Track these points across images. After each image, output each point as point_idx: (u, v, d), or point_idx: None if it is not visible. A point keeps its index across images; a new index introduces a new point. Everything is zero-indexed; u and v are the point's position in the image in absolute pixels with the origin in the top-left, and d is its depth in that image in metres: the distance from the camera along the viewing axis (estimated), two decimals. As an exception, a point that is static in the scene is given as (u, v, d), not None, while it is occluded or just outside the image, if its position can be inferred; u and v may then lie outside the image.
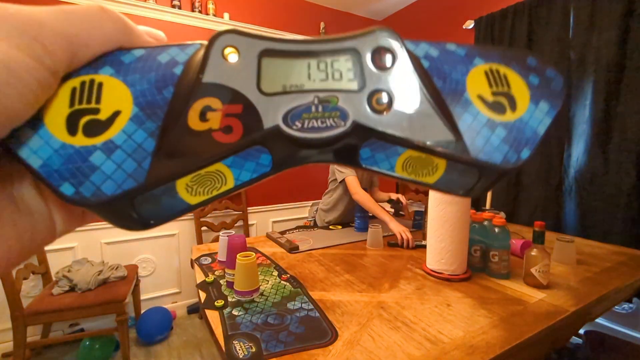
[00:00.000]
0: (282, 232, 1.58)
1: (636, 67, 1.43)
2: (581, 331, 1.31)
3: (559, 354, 1.05)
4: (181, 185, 0.16)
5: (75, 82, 0.14)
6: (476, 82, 0.18)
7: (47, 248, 1.86)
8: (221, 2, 2.32)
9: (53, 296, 1.59)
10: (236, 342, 0.67)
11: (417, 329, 0.73)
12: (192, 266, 1.19)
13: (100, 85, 0.14)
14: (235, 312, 0.79)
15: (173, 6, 2.12)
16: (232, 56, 0.15)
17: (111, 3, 1.95)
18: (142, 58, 0.16)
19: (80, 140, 0.14)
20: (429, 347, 0.66)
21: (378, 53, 0.17)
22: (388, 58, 0.17)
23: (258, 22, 2.44)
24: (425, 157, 0.17)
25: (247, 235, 2.47)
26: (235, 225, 2.42)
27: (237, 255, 0.85)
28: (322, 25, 2.78)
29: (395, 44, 0.17)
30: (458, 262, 1.00)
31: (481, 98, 0.17)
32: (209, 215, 2.34)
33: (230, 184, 0.16)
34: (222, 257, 1.08)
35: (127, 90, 0.15)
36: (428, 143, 0.16)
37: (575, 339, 1.40)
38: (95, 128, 0.14)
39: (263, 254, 1.25)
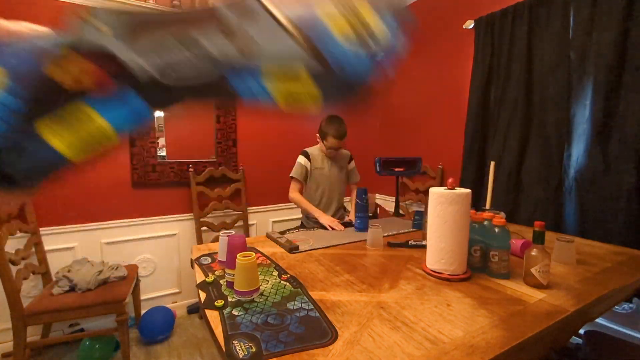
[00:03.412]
0: (282, 232, 1.58)
1: (636, 67, 1.43)
2: (581, 331, 1.31)
3: (559, 354, 1.05)
4: (43, 127, 0.17)
5: None
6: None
7: (47, 248, 1.87)
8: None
9: (53, 296, 1.59)
10: (236, 342, 0.67)
11: (417, 329, 0.73)
12: (192, 266, 1.19)
13: None
14: (235, 312, 0.79)
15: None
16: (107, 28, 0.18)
17: (111, 3, 1.95)
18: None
19: None
20: (429, 347, 0.66)
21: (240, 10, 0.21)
22: (248, 13, 0.21)
23: (258, 22, 2.44)
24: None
25: (247, 235, 2.47)
26: (235, 225, 2.42)
27: (237, 255, 0.85)
28: (322, 25, 2.78)
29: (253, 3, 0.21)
30: (458, 262, 1.00)
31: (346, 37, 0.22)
32: (209, 215, 2.34)
33: (102, 122, 0.18)
34: (222, 257, 1.08)
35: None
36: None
37: (575, 339, 1.40)
38: None
39: (263, 254, 1.25)
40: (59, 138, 0.17)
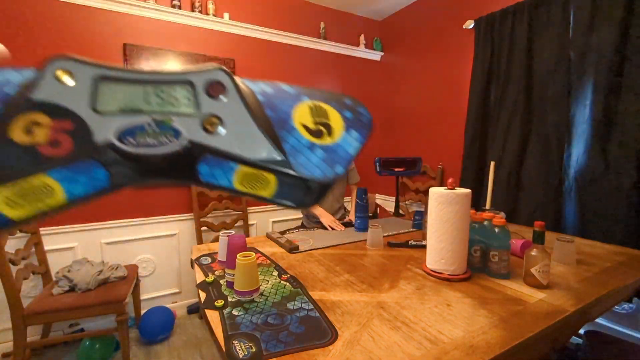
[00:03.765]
0: (282, 232, 1.58)
1: (636, 67, 1.43)
2: (581, 331, 1.31)
3: (559, 354, 1.05)
4: (0, 198, 0.14)
5: None
6: (301, 114, 0.22)
7: (47, 248, 1.87)
8: (221, 2, 2.32)
9: (53, 296, 1.59)
10: (236, 342, 0.67)
11: (417, 329, 0.73)
12: (192, 266, 1.19)
13: None
14: (235, 312, 0.79)
15: (173, 6, 2.13)
16: (67, 78, 0.17)
17: (111, 4, 1.95)
18: None
19: None
20: (429, 347, 0.66)
21: (211, 85, 0.20)
22: (219, 89, 0.20)
23: (258, 22, 2.45)
24: (257, 173, 0.20)
25: (247, 235, 2.47)
26: (235, 225, 2.42)
27: (237, 255, 0.85)
28: (322, 25, 2.78)
29: (225, 79, 0.21)
30: (458, 262, 1.00)
31: (304, 126, 0.21)
32: (209, 216, 2.34)
33: (61, 197, 0.17)
34: (222, 257, 1.08)
35: None
36: (257, 159, 0.19)
37: (575, 339, 1.40)
38: None
39: (263, 254, 1.25)
40: (16, 210, 0.16)
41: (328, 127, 0.22)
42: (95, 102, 0.17)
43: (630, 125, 1.43)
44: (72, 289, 1.64)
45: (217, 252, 1.15)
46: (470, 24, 2.17)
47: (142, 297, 2.14)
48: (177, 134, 0.18)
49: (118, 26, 2.00)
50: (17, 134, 0.15)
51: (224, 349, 0.65)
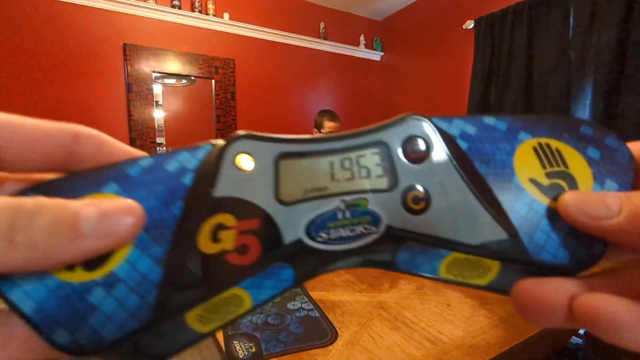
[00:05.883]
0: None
1: (636, 67, 1.43)
2: (581, 331, 1.31)
3: (559, 354, 1.05)
4: (192, 317, 0.13)
5: None
6: (525, 162, 0.14)
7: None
8: (221, 2, 2.32)
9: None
10: (236, 342, 0.67)
11: (417, 329, 0.73)
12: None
13: None
14: (235, 312, 0.79)
15: (173, 6, 2.13)
16: (247, 163, 0.13)
17: (111, 3, 1.95)
18: (149, 169, 0.14)
19: (78, 276, 0.12)
20: (429, 347, 0.66)
21: (410, 143, 0.14)
22: (421, 148, 0.14)
23: (258, 22, 2.45)
24: (475, 260, 0.14)
25: (247, 235, 2.47)
26: (235, 225, 2.42)
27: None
28: (322, 25, 2.78)
29: (428, 130, 0.14)
30: (458, 262, 1.00)
31: (534, 182, 0.14)
32: (209, 215, 2.34)
33: (248, 305, 0.14)
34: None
35: None
36: (476, 244, 0.13)
37: (575, 339, 1.40)
38: (96, 259, 0.12)
39: (263, 254, 1.25)
40: (207, 325, 0.13)
41: (570, 179, 0.14)
42: (279, 190, 0.14)
43: (630, 125, 1.43)
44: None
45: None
46: (470, 24, 2.17)
47: (142, 297, 2.14)
48: (375, 220, 0.13)
49: (118, 26, 2.00)
50: (205, 242, 0.13)
51: (223, 349, 0.65)
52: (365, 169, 0.14)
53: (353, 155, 0.14)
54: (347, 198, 0.14)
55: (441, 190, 0.14)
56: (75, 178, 0.13)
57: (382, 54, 3.10)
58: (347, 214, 0.13)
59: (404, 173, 0.14)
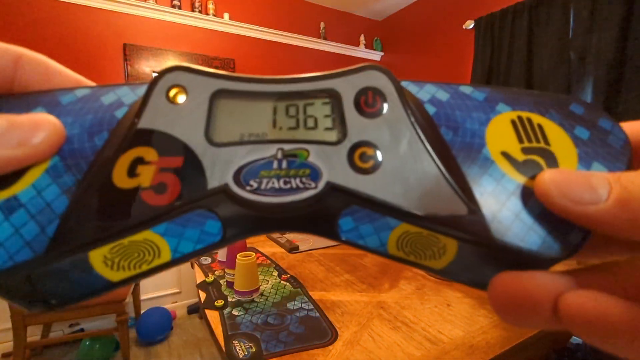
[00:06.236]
0: (282, 232, 1.58)
1: (636, 67, 1.43)
2: (581, 331, 1.31)
3: (559, 354, 1.05)
4: (97, 257, 0.12)
5: None
6: (500, 134, 0.13)
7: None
8: (221, 2, 2.32)
9: (53, 296, 1.59)
10: (236, 342, 0.67)
11: (417, 329, 0.73)
12: (192, 266, 1.19)
13: None
14: (235, 312, 0.79)
15: (173, 6, 2.13)
16: (179, 97, 0.12)
17: (111, 3, 1.95)
18: (84, 98, 0.13)
19: None
20: (429, 347, 0.66)
21: (364, 95, 0.13)
22: (377, 102, 0.13)
23: (258, 22, 2.45)
24: (428, 235, 0.12)
25: (247, 235, 2.47)
26: (235, 225, 2.42)
27: (237, 255, 0.85)
28: (322, 25, 2.78)
29: (386, 84, 0.13)
30: (458, 262, 1.00)
31: (507, 156, 0.12)
32: (209, 215, 2.34)
33: (166, 256, 0.12)
34: (222, 257, 1.08)
35: None
36: (429, 215, 0.12)
37: (575, 339, 1.40)
38: (3, 180, 0.11)
39: (263, 254, 1.25)
40: (116, 271, 0.12)
41: (549, 156, 0.13)
42: (211, 129, 0.12)
43: (630, 125, 1.44)
44: (72, 289, 1.64)
45: (217, 252, 1.15)
46: (470, 24, 2.17)
47: (142, 297, 2.14)
48: (315, 174, 0.12)
49: (118, 26, 2.00)
50: (120, 175, 0.12)
51: (224, 349, 0.65)
52: (313, 119, 0.13)
53: (300, 102, 0.13)
54: (287, 147, 0.12)
55: (394, 151, 0.12)
56: (4, 100, 0.12)
57: (382, 53, 3.10)
58: (284, 164, 0.12)
59: (353, 126, 0.13)
